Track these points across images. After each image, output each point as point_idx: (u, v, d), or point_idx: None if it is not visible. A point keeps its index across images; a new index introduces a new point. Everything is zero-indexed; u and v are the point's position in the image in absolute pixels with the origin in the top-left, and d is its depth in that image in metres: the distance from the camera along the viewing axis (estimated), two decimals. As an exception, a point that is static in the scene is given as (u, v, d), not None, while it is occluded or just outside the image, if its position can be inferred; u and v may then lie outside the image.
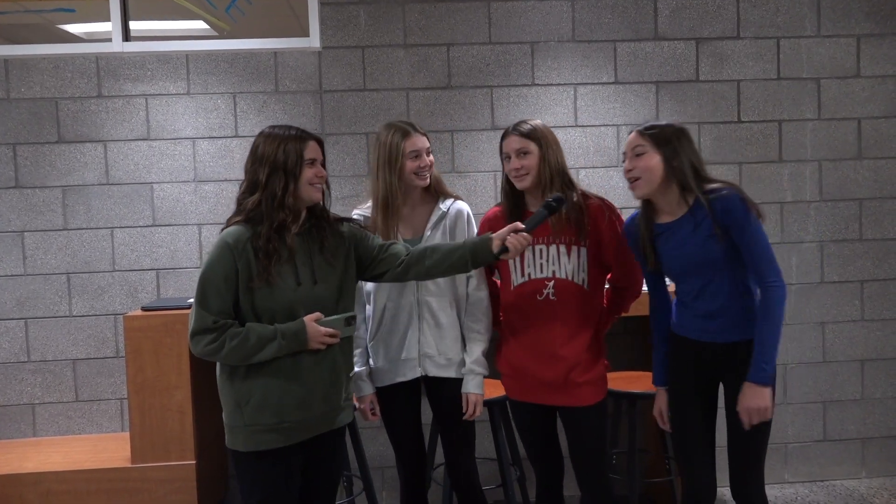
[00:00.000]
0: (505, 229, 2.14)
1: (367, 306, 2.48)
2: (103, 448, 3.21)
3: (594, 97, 3.58)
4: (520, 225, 2.13)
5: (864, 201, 3.68)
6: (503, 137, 2.37)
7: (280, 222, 1.98)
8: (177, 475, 2.96)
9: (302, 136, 2.02)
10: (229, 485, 3.48)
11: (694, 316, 2.24)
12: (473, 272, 2.40)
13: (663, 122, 2.22)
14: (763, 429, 2.20)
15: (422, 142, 2.41)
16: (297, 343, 1.98)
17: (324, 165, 2.10)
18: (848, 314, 3.70)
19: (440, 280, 2.38)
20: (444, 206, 2.46)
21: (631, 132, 2.22)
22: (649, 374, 2.50)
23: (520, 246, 2.10)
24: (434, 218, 2.45)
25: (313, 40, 3.47)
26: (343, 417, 2.17)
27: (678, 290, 2.30)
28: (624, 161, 2.22)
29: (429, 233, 2.43)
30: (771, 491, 3.61)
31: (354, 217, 2.44)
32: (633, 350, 3.49)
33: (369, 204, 2.48)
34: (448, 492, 2.82)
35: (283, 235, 1.99)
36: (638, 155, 2.15)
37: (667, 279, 2.38)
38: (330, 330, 2.01)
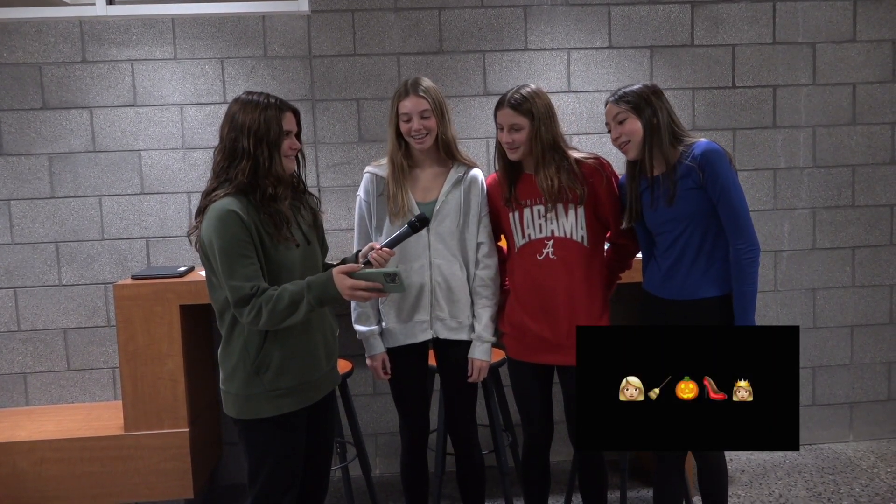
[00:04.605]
0: (366, 247, 2.12)
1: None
2: (96, 416, 3.22)
3: (588, 62, 3.53)
4: (376, 244, 2.10)
5: (857, 167, 3.68)
6: (497, 107, 2.35)
7: (273, 190, 1.98)
8: (170, 443, 2.98)
9: (280, 107, 2.01)
10: (223, 452, 3.50)
11: (661, 271, 2.30)
12: (484, 238, 2.44)
13: (635, 85, 2.27)
14: None
15: (413, 104, 2.32)
16: (325, 293, 1.93)
17: (299, 136, 2.09)
18: (839, 280, 3.72)
19: (452, 244, 2.40)
20: (461, 170, 2.43)
21: (606, 104, 2.29)
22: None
23: (382, 260, 2.06)
24: (449, 182, 2.40)
25: (302, 4, 3.40)
26: (338, 376, 2.24)
27: (655, 246, 2.35)
28: (609, 131, 2.30)
29: (444, 197, 2.40)
30: (760, 454, 3.68)
31: (366, 173, 2.46)
32: (620, 317, 3.50)
33: (384, 161, 2.45)
34: (441, 457, 2.85)
35: (278, 202, 2.00)
36: (620, 122, 2.24)
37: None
38: (368, 284, 1.94)
